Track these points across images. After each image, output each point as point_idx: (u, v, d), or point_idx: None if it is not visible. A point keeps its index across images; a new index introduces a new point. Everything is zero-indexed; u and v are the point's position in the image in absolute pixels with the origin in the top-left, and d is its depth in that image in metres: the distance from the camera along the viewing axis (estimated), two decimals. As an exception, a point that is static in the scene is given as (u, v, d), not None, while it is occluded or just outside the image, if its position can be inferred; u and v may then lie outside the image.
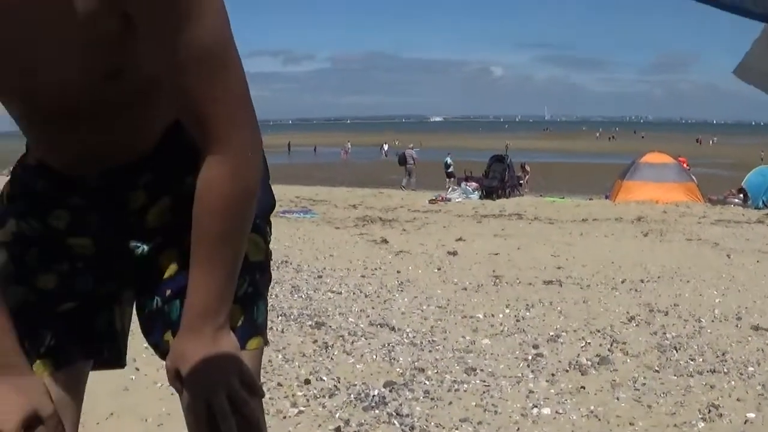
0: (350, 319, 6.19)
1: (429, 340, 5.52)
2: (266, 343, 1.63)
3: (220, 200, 1.36)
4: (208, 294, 1.41)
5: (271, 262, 1.70)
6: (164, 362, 1.50)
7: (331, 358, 5.05)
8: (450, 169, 31.67)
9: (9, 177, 1.70)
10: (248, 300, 1.57)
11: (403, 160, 33.64)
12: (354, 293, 7.23)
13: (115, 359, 1.67)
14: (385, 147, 67.48)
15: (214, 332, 1.42)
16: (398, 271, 8.48)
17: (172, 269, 1.58)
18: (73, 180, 1.56)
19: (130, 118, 1.47)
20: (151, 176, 1.56)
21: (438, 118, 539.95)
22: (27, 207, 1.61)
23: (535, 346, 5.36)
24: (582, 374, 4.72)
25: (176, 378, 1.47)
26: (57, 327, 1.55)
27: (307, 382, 4.54)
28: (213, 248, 1.39)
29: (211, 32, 1.25)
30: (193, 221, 1.39)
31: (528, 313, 6.42)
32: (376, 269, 8.63)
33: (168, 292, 1.57)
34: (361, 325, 5.96)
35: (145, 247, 1.58)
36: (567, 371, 4.79)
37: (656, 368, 4.87)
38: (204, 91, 1.28)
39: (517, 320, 6.18)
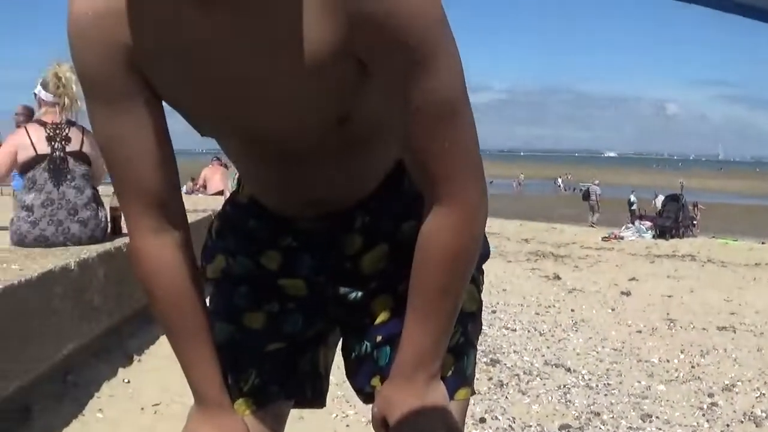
0: (525, 357, 6.29)
1: (604, 383, 5.58)
2: (473, 393, 1.59)
3: (442, 252, 1.31)
4: (423, 343, 1.37)
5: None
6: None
7: (506, 397, 5.16)
8: (633, 207, 31.12)
9: (218, 212, 1.73)
10: (460, 350, 1.54)
11: (587, 196, 33.29)
12: (528, 331, 7.32)
13: (317, 400, 1.67)
14: (559, 181, 66.47)
15: (426, 382, 1.39)
16: (572, 310, 8.52)
17: (384, 315, 1.57)
18: (287, 221, 1.57)
19: (352, 164, 1.46)
20: (369, 221, 1.55)
21: (612, 154, 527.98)
22: (237, 245, 1.63)
23: (710, 395, 5.36)
24: (756, 426, 4.72)
25: (382, 425, 1.45)
26: (262, 366, 1.56)
27: (483, 420, 4.65)
28: (431, 298, 1.35)
29: (446, 83, 1.21)
30: (413, 270, 1.36)
31: (703, 360, 6.39)
32: (549, 307, 8.69)
33: (379, 338, 1.56)
34: (537, 365, 6.07)
35: (359, 293, 1.57)
36: (742, 422, 4.79)
37: (832, 424, 4.79)
38: (435, 141, 1.24)
39: (692, 367, 6.17)
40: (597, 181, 35.81)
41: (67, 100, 5.32)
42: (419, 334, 1.38)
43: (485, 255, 1.65)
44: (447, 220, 1.30)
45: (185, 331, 1.44)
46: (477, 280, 1.64)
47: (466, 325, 1.57)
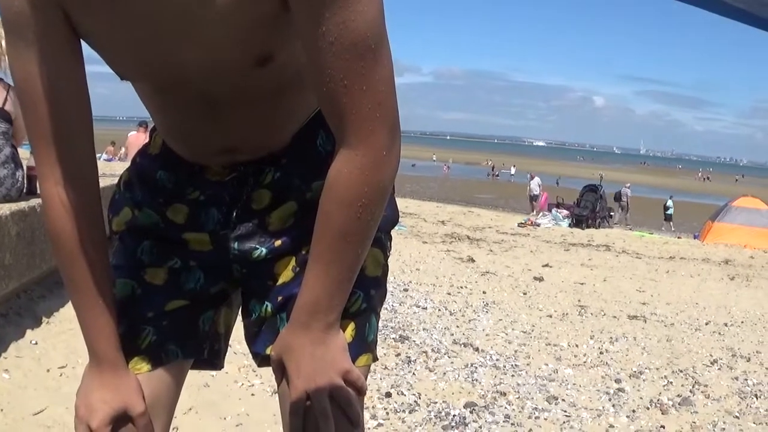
0: (434, 335, 6.24)
1: (512, 365, 5.55)
2: (375, 359, 1.55)
3: (348, 193, 1.28)
4: (322, 290, 1.34)
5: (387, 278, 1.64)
6: (247, 363, 1.49)
7: (413, 374, 5.10)
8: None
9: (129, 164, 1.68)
10: (361, 316, 1.50)
11: (618, 197, 33.97)
12: (439, 310, 7.28)
13: (214, 361, 1.65)
14: (513, 169, 67.71)
15: (323, 329, 1.36)
16: (484, 292, 8.51)
17: (286, 276, 1.52)
18: (196, 173, 1.54)
19: (267, 112, 1.44)
20: (279, 177, 1.52)
21: (540, 143, 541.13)
22: (144, 196, 1.59)
23: (617, 381, 5.36)
24: (662, 413, 4.71)
25: (280, 368, 1.43)
26: (161, 323, 1.52)
27: (388, 395, 4.59)
28: (334, 242, 1.32)
29: (365, 18, 1.19)
30: (318, 212, 1.33)
31: (612, 347, 6.41)
32: (461, 287, 8.67)
33: (280, 299, 1.51)
34: (445, 343, 6.01)
35: (264, 250, 1.52)
36: (648, 408, 4.78)
37: (736, 414, 4.84)
38: (350, 79, 1.22)
39: (601, 353, 6.18)
40: (628, 184, 36.67)
41: None
42: (317, 281, 1.35)
43: (394, 220, 1.63)
44: (354, 163, 1.27)
45: (85, 285, 1.40)
46: (384, 245, 1.60)
47: (369, 290, 1.53)
